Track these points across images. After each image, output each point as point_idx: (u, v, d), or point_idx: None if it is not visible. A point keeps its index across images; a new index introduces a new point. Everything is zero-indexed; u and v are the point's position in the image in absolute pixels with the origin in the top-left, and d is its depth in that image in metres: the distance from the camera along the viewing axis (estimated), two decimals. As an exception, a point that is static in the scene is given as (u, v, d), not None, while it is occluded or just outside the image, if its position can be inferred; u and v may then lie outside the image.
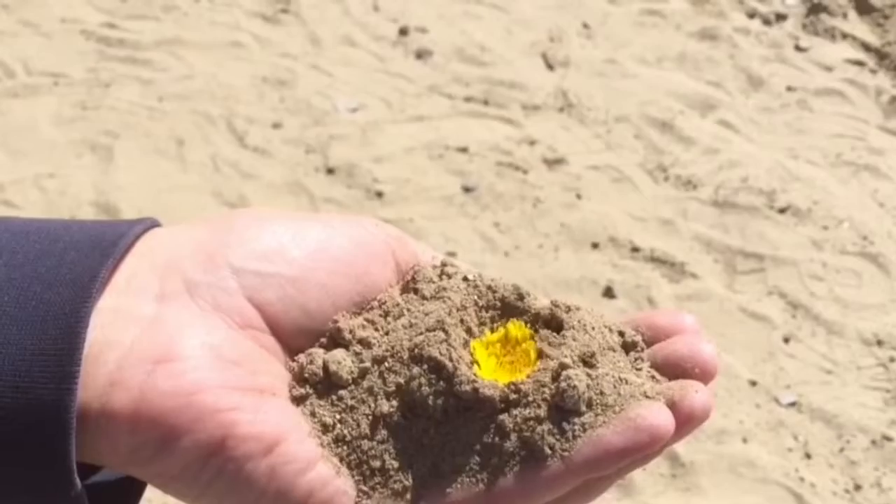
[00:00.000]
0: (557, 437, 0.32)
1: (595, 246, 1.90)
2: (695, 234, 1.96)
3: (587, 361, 0.34)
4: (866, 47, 2.62)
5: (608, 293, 1.78)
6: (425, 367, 0.33)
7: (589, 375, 0.33)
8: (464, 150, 2.12)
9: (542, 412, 0.33)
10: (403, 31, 2.51)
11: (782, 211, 2.04)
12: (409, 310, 0.35)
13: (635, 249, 1.90)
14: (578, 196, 2.03)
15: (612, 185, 2.09)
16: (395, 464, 0.33)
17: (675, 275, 1.86)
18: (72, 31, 2.38)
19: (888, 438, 1.58)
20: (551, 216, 1.97)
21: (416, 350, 0.34)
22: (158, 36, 2.39)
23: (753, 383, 1.65)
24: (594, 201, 2.02)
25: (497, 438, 0.33)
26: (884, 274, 1.91)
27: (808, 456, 1.55)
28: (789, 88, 2.45)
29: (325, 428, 0.33)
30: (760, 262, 1.91)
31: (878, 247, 1.96)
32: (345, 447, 0.33)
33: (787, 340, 1.75)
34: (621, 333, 0.37)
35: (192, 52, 2.35)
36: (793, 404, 1.63)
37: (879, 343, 1.76)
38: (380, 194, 1.98)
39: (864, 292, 1.87)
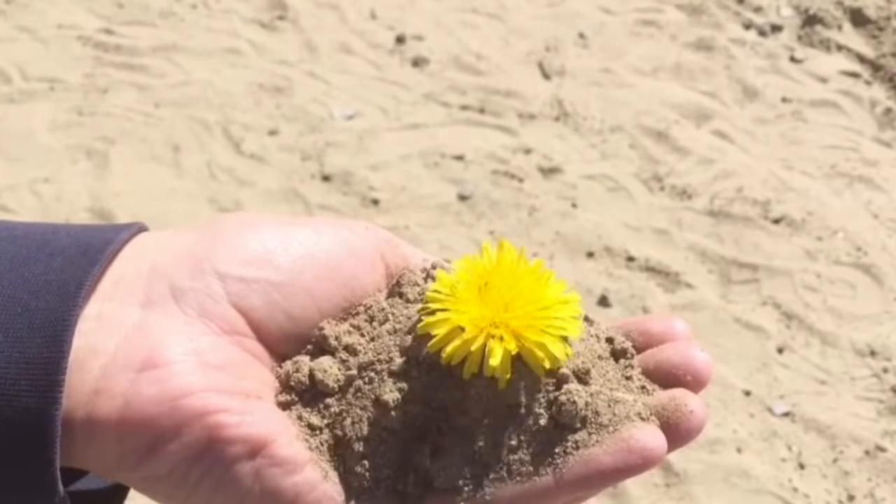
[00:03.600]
0: (550, 452, 0.32)
1: (590, 255, 1.91)
2: (689, 243, 1.97)
3: (581, 378, 0.33)
4: (861, 59, 2.63)
5: (603, 302, 1.78)
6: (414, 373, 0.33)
7: (586, 392, 0.33)
8: (460, 158, 2.13)
9: (537, 425, 0.32)
10: (400, 39, 2.52)
11: (777, 221, 2.04)
12: (393, 314, 0.35)
13: (630, 259, 1.90)
14: (574, 205, 2.03)
15: (608, 195, 2.09)
16: (386, 471, 0.33)
17: (669, 284, 1.86)
18: (68, 36, 2.38)
19: (882, 449, 1.58)
20: (546, 225, 1.97)
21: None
22: (155, 42, 2.39)
23: (747, 393, 1.65)
24: (589, 210, 2.03)
25: (488, 448, 0.32)
26: (877, 285, 1.91)
27: (801, 466, 1.54)
28: (784, 99, 2.46)
29: (313, 432, 0.33)
30: (755, 273, 1.91)
31: (871, 258, 1.96)
32: (333, 452, 0.33)
33: (780, 351, 1.75)
34: (610, 340, 0.36)
35: (189, 59, 2.36)
36: (786, 414, 1.63)
37: (873, 354, 1.76)
38: (375, 202, 1.98)
39: (858, 303, 1.87)
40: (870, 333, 1.80)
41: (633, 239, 1.96)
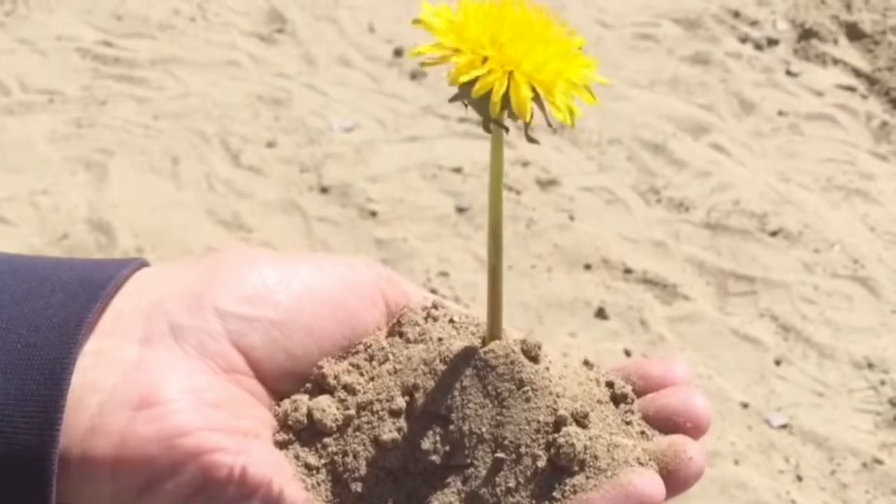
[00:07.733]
0: (548, 495, 0.32)
1: (587, 267, 1.91)
2: (687, 256, 1.97)
3: (580, 422, 0.33)
4: (857, 73, 2.64)
5: (600, 314, 1.79)
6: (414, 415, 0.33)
7: (585, 435, 0.33)
8: (457, 170, 2.13)
9: (535, 466, 0.32)
10: (398, 52, 2.53)
11: (774, 234, 2.05)
12: (393, 354, 0.35)
13: (628, 271, 1.90)
14: (571, 217, 2.04)
15: (605, 207, 2.09)
16: None
17: (667, 296, 1.86)
18: (68, 48, 2.38)
19: (879, 461, 1.58)
20: (544, 237, 1.97)
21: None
22: (154, 54, 2.40)
23: (745, 405, 1.65)
24: (587, 223, 2.03)
25: (487, 489, 0.32)
26: (874, 297, 1.92)
27: (799, 478, 1.55)
28: (781, 113, 2.47)
29: (311, 472, 0.33)
30: (752, 285, 1.91)
31: (868, 270, 1.97)
32: (330, 492, 0.33)
33: (778, 363, 1.75)
34: (610, 384, 0.36)
35: (188, 71, 2.36)
36: (784, 426, 1.63)
37: (870, 366, 1.76)
38: (373, 214, 1.98)
39: (856, 315, 1.87)
40: (867, 346, 1.80)
41: (630, 251, 1.96)
